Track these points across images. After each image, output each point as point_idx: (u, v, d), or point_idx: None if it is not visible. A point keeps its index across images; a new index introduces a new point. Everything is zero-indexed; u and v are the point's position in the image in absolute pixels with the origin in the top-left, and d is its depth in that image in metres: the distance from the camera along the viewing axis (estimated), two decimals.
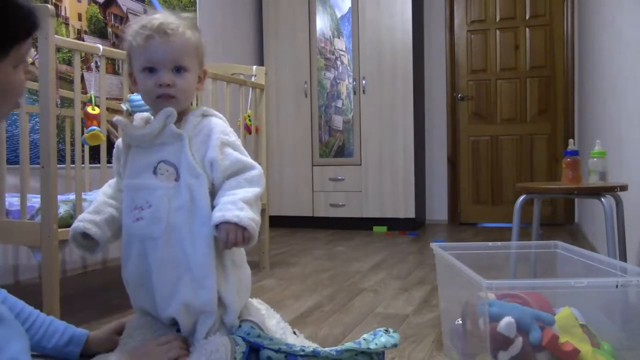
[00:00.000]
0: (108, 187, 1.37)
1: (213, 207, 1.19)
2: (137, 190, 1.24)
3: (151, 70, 1.21)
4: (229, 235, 1.11)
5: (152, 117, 1.30)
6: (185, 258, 1.19)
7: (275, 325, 1.35)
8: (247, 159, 1.24)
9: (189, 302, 1.19)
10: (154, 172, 1.23)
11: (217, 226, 1.13)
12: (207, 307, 1.19)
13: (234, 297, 1.23)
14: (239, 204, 1.13)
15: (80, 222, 1.25)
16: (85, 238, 1.27)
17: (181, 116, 1.26)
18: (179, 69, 1.23)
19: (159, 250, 1.20)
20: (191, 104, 1.34)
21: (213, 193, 1.22)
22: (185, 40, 1.24)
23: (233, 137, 1.26)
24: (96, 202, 1.31)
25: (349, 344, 1.27)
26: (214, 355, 1.13)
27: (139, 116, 1.31)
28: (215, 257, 1.20)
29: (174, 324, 1.26)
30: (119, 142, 1.33)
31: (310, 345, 1.29)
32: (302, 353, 1.22)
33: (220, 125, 1.26)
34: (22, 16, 0.97)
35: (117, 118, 1.29)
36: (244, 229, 1.12)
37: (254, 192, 1.19)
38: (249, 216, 1.13)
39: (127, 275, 1.28)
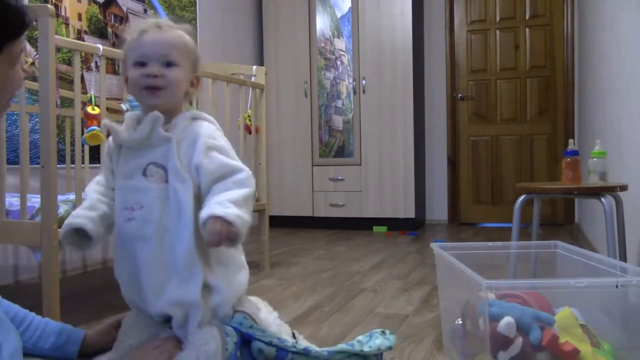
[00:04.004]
0: (97, 184, 1.36)
1: (198, 211, 1.18)
2: (128, 191, 1.25)
3: (142, 64, 1.23)
4: (215, 228, 1.09)
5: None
6: (174, 258, 1.21)
7: (273, 319, 1.36)
8: (234, 162, 1.23)
9: (176, 298, 1.20)
10: (144, 174, 1.24)
11: (205, 224, 1.11)
12: (191, 299, 1.19)
13: (225, 287, 1.24)
14: (225, 204, 1.12)
15: (77, 218, 1.25)
16: (77, 234, 1.26)
17: (170, 118, 1.26)
18: (169, 64, 1.24)
19: (149, 251, 1.21)
20: (188, 105, 1.34)
21: (199, 197, 1.21)
22: (176, 36, 1.27)
23: (221, 141, 1.25)
24: (90, 199, 1.31)
25: (341, 346, 1.27)
26: (204, 347, 1.14)
27: (130, 115, 1.31)
28: (200, 256, 1.20)
29: (167, 320, 1.27)
30: (110, 140, 1.33)
31: (303, 344, 1.29)
32: (293, 349, 1.22)
33: (208, 129, 1.26)
34: (11, 15, 0.97)
35: (105, 121, 1.30)
36: (230, 224, 1.10)
37: (242, 192, 1.17)
38: (235, 213, 1.11)
39: (118, 273, 1.31)
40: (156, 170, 1.23)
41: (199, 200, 1.21)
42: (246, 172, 1.22)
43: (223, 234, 1.10)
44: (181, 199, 1.20)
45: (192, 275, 1.19)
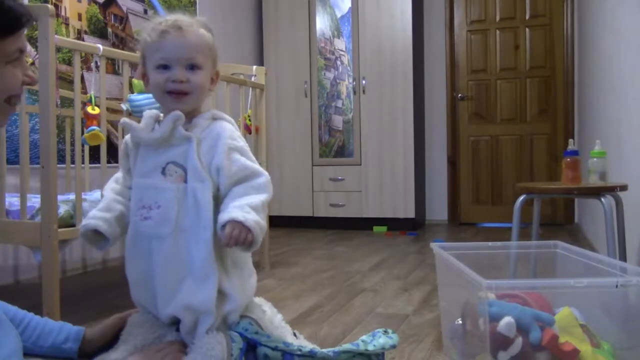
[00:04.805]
0: (115, 182, 1.36)
1: (217, 212, 1.19)
2: (145, 190, 1.25)
3: (165, 67, 1.22)
4: (233, 232, 1.11)
5: (161, 115, 1.29)
6: (189, 259, 1.20)
7: (278, 322, 1.36)
8: (255, 165, 1.24)
9: (189, 302, 1.19)
10: (163, 173, 1.24)
11: (223, 226, 1.13)
12: (205, 307, 1.19)
13: (239, 295, 1.24)
14: (245, 209, 1.14)
15: (92, 220, 1.25)
16: (96, 234, 1.27)
17: (190, 118, 1.26)
18: (192, 67, 1.23)
19: (165, 250, 1.20)
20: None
21: (218, 198, 1.22)
22: (199, 36, 1.25)
23: (241, 143, 1.26)
24: (106, 200, 1.31)
25: (346, 346, 1.27)
26: (210, 353, 1.13)
27: (148, 114, 1.30)
28: (217, 259, 1.20)
29: (174, 322, 1.26)
30: (127, 138, 1.32)
31: (308, 346, 1.29)
32: (299, 352, 1.22)
33: (229, 129, 1.26)
34: (1, 11, 0.96)
35: (123, 120, 1.29)
36: (248, 230, 1.12)
37: (261, 198, 1.19)
38: (254, 219, 1.13)
39: (129, 272, 1.29)
40: (175, 170, 1.23)
41: (217, 202, 1.21)
42: (265, 177, 1.24)
43: (240, 238, 1.12)
44: (200, 199, 1.19)
45: (207, 278, 1.18)
